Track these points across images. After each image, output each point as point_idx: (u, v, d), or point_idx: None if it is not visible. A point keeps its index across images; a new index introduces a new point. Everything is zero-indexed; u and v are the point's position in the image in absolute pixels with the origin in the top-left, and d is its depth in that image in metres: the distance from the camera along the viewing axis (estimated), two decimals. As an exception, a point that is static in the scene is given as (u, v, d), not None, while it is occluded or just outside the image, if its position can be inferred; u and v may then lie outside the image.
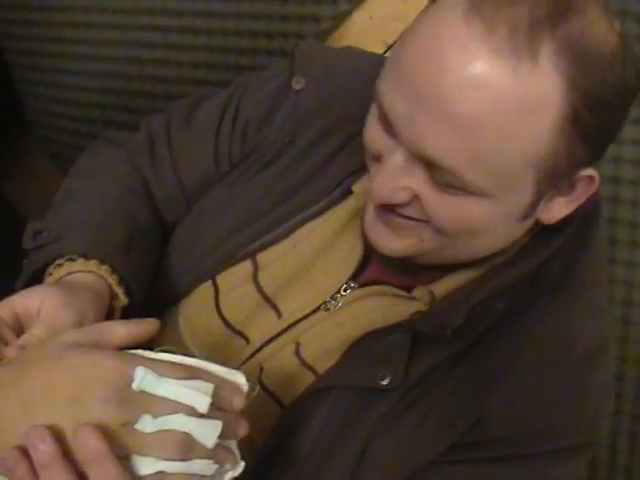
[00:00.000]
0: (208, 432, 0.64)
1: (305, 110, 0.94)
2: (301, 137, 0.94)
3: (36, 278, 0.84)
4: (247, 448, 0.86)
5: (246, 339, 0.90)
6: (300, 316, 0.88)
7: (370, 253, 0.89)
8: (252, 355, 0.89)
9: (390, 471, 0.81)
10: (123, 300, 0.84)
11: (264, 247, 0.91)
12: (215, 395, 0.64)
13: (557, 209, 0.77)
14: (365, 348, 0.84)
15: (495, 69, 0.65)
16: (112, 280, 0.83)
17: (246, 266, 0.91)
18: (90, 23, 2.01)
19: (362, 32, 1.58)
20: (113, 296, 0.83)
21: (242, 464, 0.70)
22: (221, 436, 0.65)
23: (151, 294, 0.94)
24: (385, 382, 0.80)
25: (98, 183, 0.97)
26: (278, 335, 0.88)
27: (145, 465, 0.62)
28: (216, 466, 0.65)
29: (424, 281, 0.86)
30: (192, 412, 0.63)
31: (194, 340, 0.92)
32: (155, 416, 0.62)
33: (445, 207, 0.73)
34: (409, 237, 0.79)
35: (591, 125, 0.69)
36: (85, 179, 0.99)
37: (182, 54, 1.88)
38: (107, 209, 0.92)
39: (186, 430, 0.63)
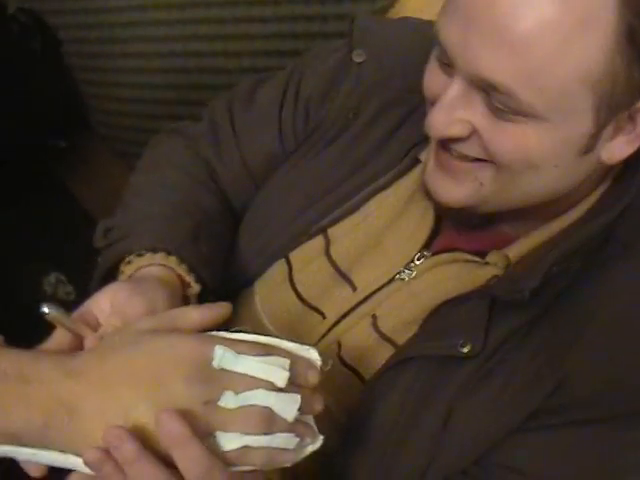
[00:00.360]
0: (288, 406, 0.65)
1: (367, 83, 0.94)
2: (364, 111, 0.94)
3: (111, 275, 0.86)
4: (329, 423, 0.87)
5: (322, 314, 0.90)
6: (375, 288, 0.88)
7: (441, 221, 0.88)
8: (329, 330, 0.89)
9: (473, 439, 0.81)
10: (195, 288, 0.85)
11: (335, 222, 0.92)
12: (291, 370, 0.65)
13: (619, 148, 0.75)
14: (443, 317, 0.84)
15: None
16: (181, 270, 0.84)
17: (318, 241, 0.92)
18: (146, 21, 2.03)
19: (416, 8, 1.57)
20: (185, 285, 0.85)
21: (321, 437, 0.70)
22: (299, 410, 0.66)
23: (227, 277, 0.95)
24: (466, 349, 0.79)
25: (162, 174, 0.99)
26: (353, 308, 0.89)
27: (230, 440, 0.63)
28: (297, 439, 0.66)
29: (498, 245, 0.85)
30: (271, 387, 0.64)
31: (271, 318, 0.93)
32: (236, 392, 0.63)
33: (504, 137, 0.72)
34: (468, 182, 0.78)
35: None
36: (150, 172, 1.01)
37: (239, 44, 1.89)
38: (172, 200, 0.93)
39: (267, 404, 0.64)
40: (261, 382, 0.64)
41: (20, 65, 2.12)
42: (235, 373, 0.64)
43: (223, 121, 1.02)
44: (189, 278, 0.85)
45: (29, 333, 0.70)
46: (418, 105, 0.91)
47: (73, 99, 2.24)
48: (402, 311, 0.86)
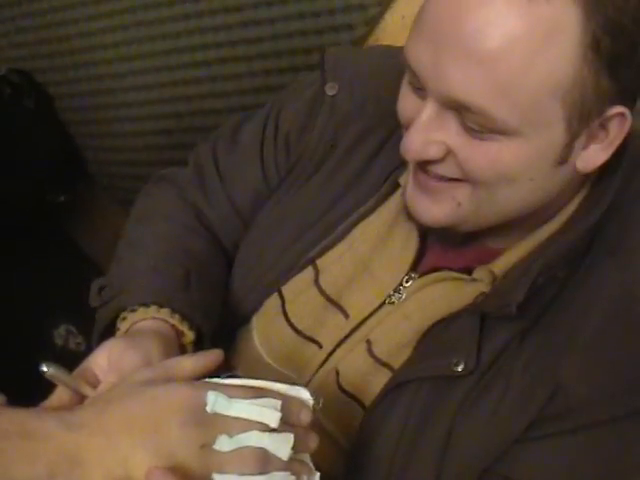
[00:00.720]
0: (281, 445, 0.67)
1: (342, 114, 0.95)
2: (342, 140, 0.95)
3: (109, 331, 0.88)
4: (334, 449, 0.88)
5: (318, 344, 0.91)
6: (367, 313, 0.89)
7: (426, 241, 0.89)
8: (326, 359, 0.91)
9: (475, 454, 0.81)
10: (190, 336, 0.87)
11: (323, 252, 0.93)
12: (283, 410, 0.68)
13: (593, 156, 0.76)
14: (435, 337, 0.85)
15: (511, 2, 0.66)
16: (174, 320, 0.86)
17: (307, 273, 0.93)
18: (134, 70, 2.06)
19: (396, 32, 1.59)
20: (180, 334, 0.87)
21: (318, 474, 0.72)
22: (294, 449, 0.67)
23: (224, 315, 0.97)
24: (460, 368, 0.80)
25: (152, 226, 1.01)
26: (348, 336, 0.90)
27: None
28: (293, 477, 0.68)
29: (483, 260, 0.86)
30: (264, 428, 0.66)
31: (269, 352, 0.95)
32: (231, 435, 0.65)
33: (479, 155, 0.73)
34: (446, 202, 0.79)
35: (613, 53, 0.68)
36: (140, 224, 1.03)
37: (227, 84, 1.91)
38: (161, 251, 0.95)
39: (261, 445, 0.66)
40: (254, 424, 0.66)
41: (15, 124, 2.15)
42: (229, 417, 0.66)
43: (208, 164, 1.04)
44: (182, 327, 0.87)
45: (42, 388, 0.72)
46: (395, 130, 0.92)
47: (70, 152, 2.26)
48: (395, 335, 0.87)
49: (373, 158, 0.94)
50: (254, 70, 1.86)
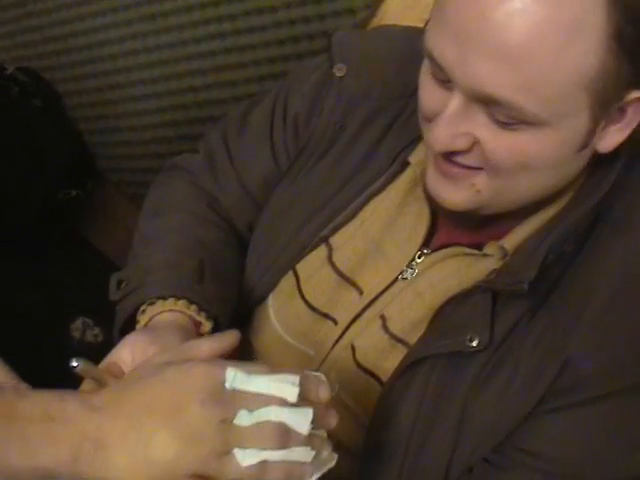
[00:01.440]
0: (301, 419, 0.67)
1: (350, 95, 0.96)
2: (351, 122, 0.96)
3: (130, 323, 0.90)
4: (354, 424, 0.90)
5: (334, 320, 0.93)
6: (380, 290, 0.91)
7: (437, 218, 0.90)
8: (341, 335, 0.92)
9: (490, 428, 0.83)
10: (207, 325, 0.89)
11: (335, 230, 0.94)
12: (301, 387, 0.68)
13: (611, 137, 0.77)
14: (449, 315, 0.86)
15: None
16: (191, 311, 0.88)
17: (321, 251, 0.95)
18: (140, 64, 2.08)
19: (398, 14, 1.59)
20: (198, 324, 0.88)
21: (335, 456, 0.72)
22: (314, 425, 0.68)
23: (242, 295, 0.99)
24: (474, 344, 0.81)
25: (165, 218, 1.02)
26: (362, 312, 0.91)
27: (248, 456, 0.65)
28: (313, 452, 0.68)
29: (493, 236, 0.87)
30: (283, 403, 0.67)
31: (286, 329, 0.96)
32: (250, 410, 0.66)
33: (506, 146, 0.73)
34: (465, 188, 0.79)
35: (635, 41, 0.69)
36: (153, 216, 1.04)
37: (232, 73, 1.92)
38: (174, 243, 0.97)
39: (281, 420, 0.66)
40: (273, 399, 0.67)
41: (24, 122, 2.17)
42: (248, 392, 0.67)
43: (219, 149, 1.05)
44: (200, 318, 0.88)
45: (60, 381, 0.72)
46: (402, 110, 0.93)
47: (80, 149, 2.28)
48: (410, 312, 0.88)
49: (381, 138, 0.94)
50: (258, 59, 1.88)
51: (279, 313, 0.97)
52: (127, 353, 0.79)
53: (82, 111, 2.27)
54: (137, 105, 2.14)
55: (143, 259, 0.96)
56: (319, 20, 1.75)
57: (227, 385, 0.66)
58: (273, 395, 0.67)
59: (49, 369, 0.74)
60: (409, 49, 0.94)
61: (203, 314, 0.89)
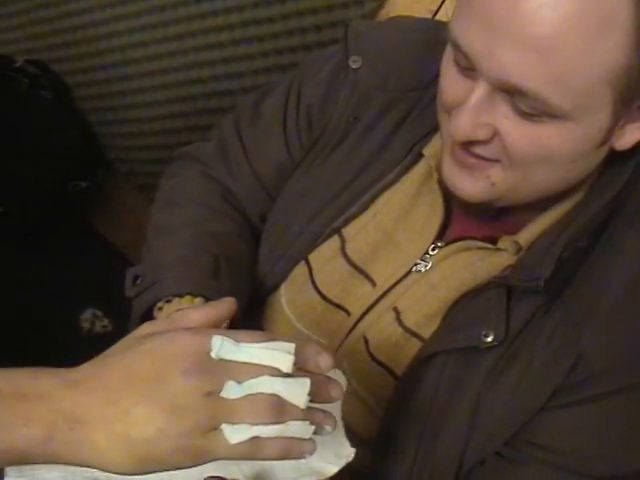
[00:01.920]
0: (297, 391, 0.61)
1: (365, 87, 0.96)
2: (365, 113, 0.96)
3: (147, 319, 0.89)
4: (367, 415, 0.91)
5: (346, 311, 0.93)
6: (393, 281, 0.91)
7: (451, 211, 0.91)
8: (354, 326, 0.92)
9: (504, 421, 0.83)
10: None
11: (348, 221, 0.95)
12: (298, 355, 0.62)
13: (629, 135, 0.77)
14: (463, 309, 0.86)
15: None
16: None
17: (334, 241, 0.95)
18: (148, 56, 2.08)
19: (405, 6, 1.59)
20: None
21: (354, 450, 0.69)
22: (314, 397, 0.62)
23: (253, 287, 1.00)
24: (489, 339, 0.82)
25: (178, 209, 1.03)
26: (375, 303, 0.92)
27: (237, 432, 0.59)
28: (312, 427, 0.62)
29: (507, 230, 0.87)
30: (277, 373, 0.61)
31: (299, 319, 0.97)
32: (239, 382, 0.60)
33: (527, 138, 0.73)
34: (481, 180, 0.80)
35: None
36: (166, 207, 1.05)
37: (240, 65, 1.93)
38: (189, 237, 0.97)
39: (274, 391, 0.60)
40: (265, 369, 0.61)
41: (34, 115, 2.18)
42: (236, 362, 0.61)
43: (232, 138, 1.05)
44: None
45: None
46: (417, 102, 0.94)
47: (89, 140, 2.29)
48: (423, 305, 0.89)
49: (396, 130, 0.95)
50: (266, 50, 1.88)
51: (292, 303, 0.98)
52: None
53: (91, 102, 2.28)
54: (146, 96, 2.14)
55: (158, 253, 0.97)
56: (327, 11, 1.75)
57: (213, 354, 0.60)
58: (265, 365, 0.61)
59: (57, 360, 0.71)
60: (423, 41, 0.95)
61: None
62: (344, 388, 0.66)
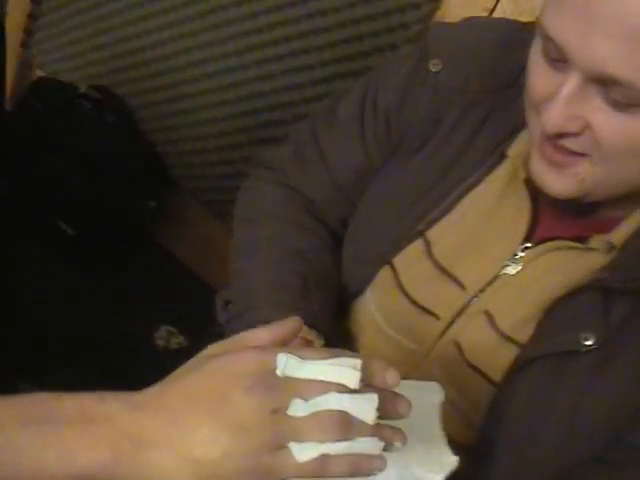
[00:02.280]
0: (364, 407, 0.60)
1: (446, 89, 0.95)
2: (447, 115, 0.95)
3: None
4: (463, 422, 0.89)
5: (435, 316, 0.92)
6: (483, 284, 0.90)
7: (538, 211, 0.89)
8: (445, 331, 0.91)
9: (603, 423, 0.82)
10: (319, 342, 0.89)
11: (432, 224, 0.94)
12: (365, 371, 0.61)
13: None
14: (560, 313, 0.85)
15: None
16: (302, 332, 0.85)
17: (418, 244, 0.94)
18: (209, 73, 2.10)
19: (461, 6, 1.59)
20: (309, 342, 0.88)
21: (455, 458, 0.68)
22: (381, 414, 0.62)
23: (339, 288, 1.00)
24: (589, 342, 0.80)
25: (259, 226, 1.03)
26: (465, 307, 0.90)
27: (305, 450, 0.59)
28: (382, 443, 0.62)
29: (597, 229, 0.86)
30: (343, 389, 0.60)
31: (388, 323, 0.96)
32: (306, 399, 0.60)
33: (619, 129, 0.73)
34: (570, 176, 0.79)
35: None
36: (246, 224, 1.06)
37: (300, 76, 1.94)
38: (275, 258, 0.98)
39: (341, 408, 0.60)
40: (332, 385, 0.60)
41: (98, 138, 2.22)
42: (302, 379, 0.60)
43: (308, 142, 1.05)
44: (311, 336, 0.88)
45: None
46: (498, 102, 0.93)
47: (154, 160, 2.32)
48: (517, 310, 0.87)
49: (478, 131, 0.94)
50: (325, 60, 1.88)
51: (380, 307, 0.97)
52: None
53: (154, 123, 2.31)
54: (208, 113, 2.16)
55: (246, 278, 0.97)
56: (384, 17, 1.75)
57: (278, 372, 0.60)
58: (331, 381, 0.60)
59: (136, 379, 0.71)
60: (499, 41, 0.94)
61: (314, 332, 0.89)
62: (442, 398, 0.66)
